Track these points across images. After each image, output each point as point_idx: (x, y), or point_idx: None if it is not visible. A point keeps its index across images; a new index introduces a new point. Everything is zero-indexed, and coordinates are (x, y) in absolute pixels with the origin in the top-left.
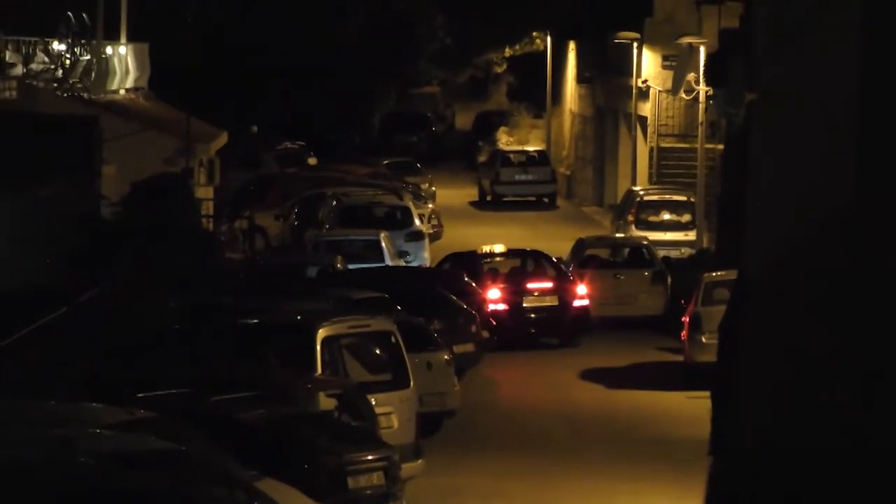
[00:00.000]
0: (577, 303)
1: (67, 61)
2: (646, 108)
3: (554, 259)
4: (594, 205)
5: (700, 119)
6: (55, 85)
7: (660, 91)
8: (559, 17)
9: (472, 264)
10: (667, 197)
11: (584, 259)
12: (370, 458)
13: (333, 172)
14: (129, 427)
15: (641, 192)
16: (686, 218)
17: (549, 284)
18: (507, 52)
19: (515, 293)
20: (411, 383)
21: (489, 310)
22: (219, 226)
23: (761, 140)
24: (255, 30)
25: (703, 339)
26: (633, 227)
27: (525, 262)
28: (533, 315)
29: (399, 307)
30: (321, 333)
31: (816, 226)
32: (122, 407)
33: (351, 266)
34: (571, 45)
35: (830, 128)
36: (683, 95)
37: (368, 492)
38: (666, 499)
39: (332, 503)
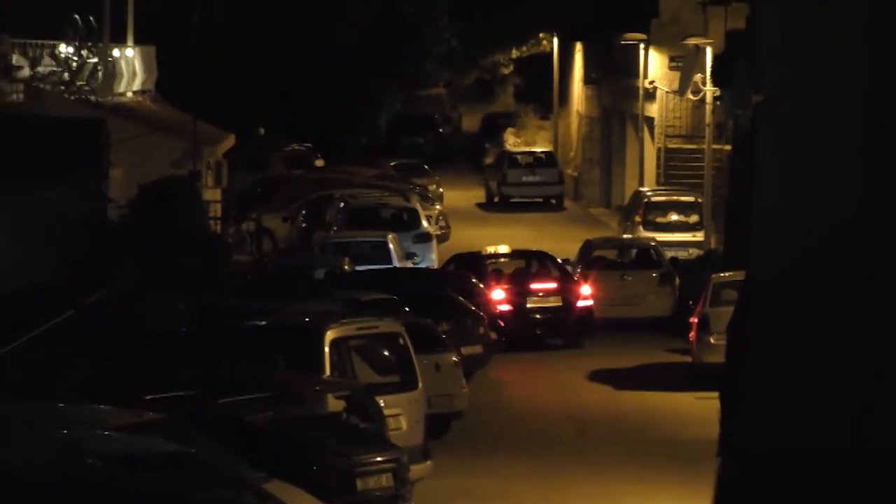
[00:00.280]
0: (580, 303)
1: (74, 64)
2: (653, 109)
3: (558, 260)
4: (601, 206)
5: (707, 120)
6: (62, 88)
7: (667, 92)
8: (566, 19)
9: (476, 265)
10: (674, 198)
11: (591, 260)
12: (379, 459)
13: (340, 174)
14: (138, 429)
15: (649, 194)
16: (693, 219)
17: (552, 285)
18: (514, 53)
19: (519, 294)
20: (419, 385)
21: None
22: (226, 228)
23: (768, 141)
24: (254, 30)
25: (711, 340)
26: (640, 228)
27: (529, 263)
28: (537, 316)
29: (407, 309)
30: (329, 335)
31: (823, 226)
32: (130, 409)
33: (358, 268)
34: (578, 47)
35: (836, 128)
36: (690, 96)
37: (377, 493)
38: (674, 500)
39: None
